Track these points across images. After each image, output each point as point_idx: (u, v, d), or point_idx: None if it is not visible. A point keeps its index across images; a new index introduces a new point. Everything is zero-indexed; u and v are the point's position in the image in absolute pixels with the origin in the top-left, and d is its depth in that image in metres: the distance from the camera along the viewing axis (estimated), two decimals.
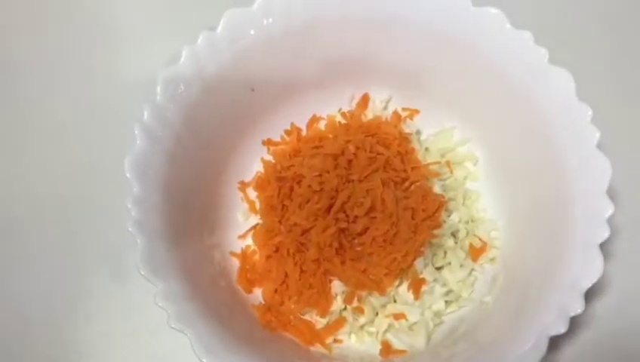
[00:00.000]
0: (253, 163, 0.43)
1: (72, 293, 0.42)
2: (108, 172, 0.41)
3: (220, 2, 0.39)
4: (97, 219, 0.44)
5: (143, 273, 0.32)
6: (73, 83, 0.48)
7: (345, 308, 0.39)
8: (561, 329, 0.31)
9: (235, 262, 0.41)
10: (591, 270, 0.32)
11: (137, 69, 0.48)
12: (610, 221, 0.32)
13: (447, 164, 0.42)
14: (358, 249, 0.39)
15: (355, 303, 0.39)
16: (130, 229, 0.33)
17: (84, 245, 0.43)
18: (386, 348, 0.38)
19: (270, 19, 0.38)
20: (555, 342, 0.31)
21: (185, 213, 0.37)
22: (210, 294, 0.35)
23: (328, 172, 0.39)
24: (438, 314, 0.39)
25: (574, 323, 0.32)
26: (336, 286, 0.39)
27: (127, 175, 0.34)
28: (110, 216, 0.42)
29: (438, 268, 0.40)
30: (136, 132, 0.35)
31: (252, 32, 0.38)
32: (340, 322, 0.38)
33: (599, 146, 0.34)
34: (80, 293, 0.42)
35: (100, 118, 0.47)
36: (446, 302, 0.39)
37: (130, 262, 0.34)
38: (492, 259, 0.40)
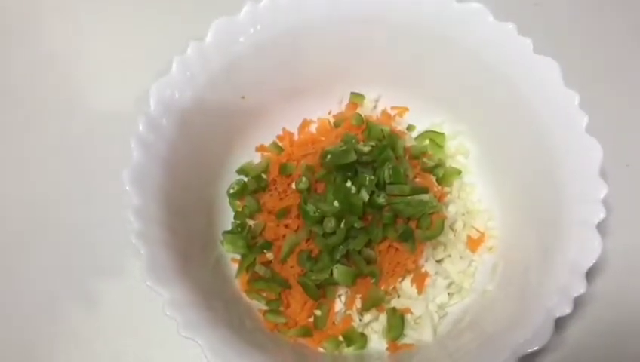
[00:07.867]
0: None
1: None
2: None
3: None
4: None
5: (148, 283, 0.32)
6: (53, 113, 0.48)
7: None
8: (566, 309, 0.32)
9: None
10: (590, 250, 0.33)
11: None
12: (604, 201, 0.33)
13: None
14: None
15: (356, 305, 0.39)
16: (133, 241, 0.33)
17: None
18: (393, 344, 0.38)
19: (257, 27, 0.39)
20: (560, 323, 0.32)
21: (185, 223, 0.37)
22: (217, 301, 0.35)
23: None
24: (442, 307, 0.39)
25: (577, 302, 0.32)
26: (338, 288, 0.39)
27: (127, 187, 0.34)
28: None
29: (439, 261, 0.40)
30: (132, 145, 0.35)
31: (240, 40, 0.39)
32: (346, 321, 0.39)
33: (588, 130, 0.34)
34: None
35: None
36: (449, 293, 0.39)
37: None
38: (490, 249, 0.41)
